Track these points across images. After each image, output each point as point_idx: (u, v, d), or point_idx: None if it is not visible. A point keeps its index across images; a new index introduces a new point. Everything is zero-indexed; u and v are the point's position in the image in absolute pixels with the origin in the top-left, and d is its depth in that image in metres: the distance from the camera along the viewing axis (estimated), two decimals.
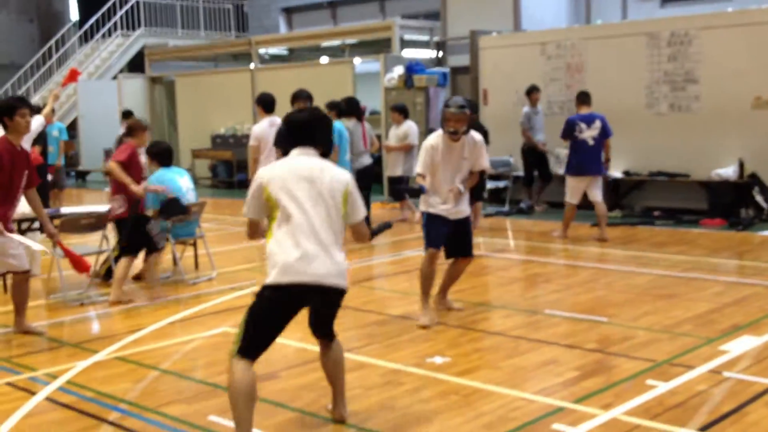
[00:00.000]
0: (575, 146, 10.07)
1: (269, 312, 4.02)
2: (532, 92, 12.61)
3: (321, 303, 4.15)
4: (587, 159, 10.01)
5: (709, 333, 5.90)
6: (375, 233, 4.57)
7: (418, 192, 6.34)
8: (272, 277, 3.98)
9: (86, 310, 7.23)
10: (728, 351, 5.45)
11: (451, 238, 6.46)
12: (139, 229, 7.60)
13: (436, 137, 6.33)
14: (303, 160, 4.15)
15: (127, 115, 13.53)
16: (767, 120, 11.18)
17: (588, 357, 5.45)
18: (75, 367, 5.50)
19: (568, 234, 10.31)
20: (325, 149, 4.26)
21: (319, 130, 4.23)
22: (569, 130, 10.13)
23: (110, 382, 5.20)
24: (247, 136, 13.98)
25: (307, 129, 4.20)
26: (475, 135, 6.40)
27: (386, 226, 5.03)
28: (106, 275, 8.03)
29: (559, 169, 12.30)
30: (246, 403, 3.91)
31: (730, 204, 11.40)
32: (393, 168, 11.99)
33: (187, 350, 5.99)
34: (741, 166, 11.37)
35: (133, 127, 7.97)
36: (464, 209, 6.45)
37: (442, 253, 6.52)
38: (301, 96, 7.92)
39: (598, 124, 10.05)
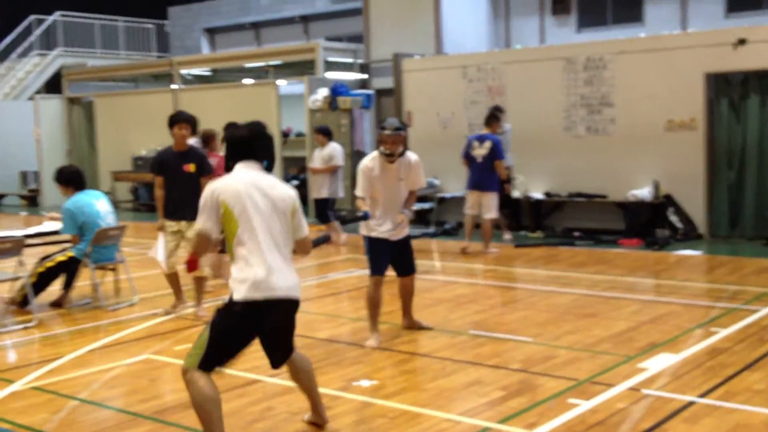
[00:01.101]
0: (470, 163, 10.84)
1: (237, 327, 4.04)
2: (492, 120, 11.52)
3: (284, 315, 4.19)
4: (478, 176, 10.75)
5: (628, 351, 6.05)
6: (315, 244, 4.59)
7: (363, 218, 6.33)
8: (243, 293, 3.99)
9: (2, 339, 6.98)
10: (647, 368, 5.59)
11: (398, 258, 6.57)
12: None
13: (372, 159, 6.39)
14: (251, 173, 4.17)
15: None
16: (680, 142, 11.60)
17: (512, 377, 5.52)
18: None
19: (492, 253, 10.63)
20: (268, 164, 4.29)
21: (259, 144, 4.25)
22: (465, 147, 10.88)
23: (27, 413, 5.03)
24: None
25: (248, 144, 4.23)
26: (411, 155, 6.48)
27: (325, 238, 5.03)
28: (23, 302, 7.78)
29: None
30: (215, 407, 3.95)
31: (646, 224, 11.76)
32: (318, 190, 11.99)
33: (107, 378, 5.83)
34: (656, 186, 11.75)
35: (207, 136, 9.29)
36: (405, 230, 6.53)
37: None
38: (180, 119, 7.57)
39: (488, 144, 10.63)
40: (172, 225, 7.54)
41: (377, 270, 6.44)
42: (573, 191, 12.52)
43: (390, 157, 6.29)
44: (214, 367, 4.06)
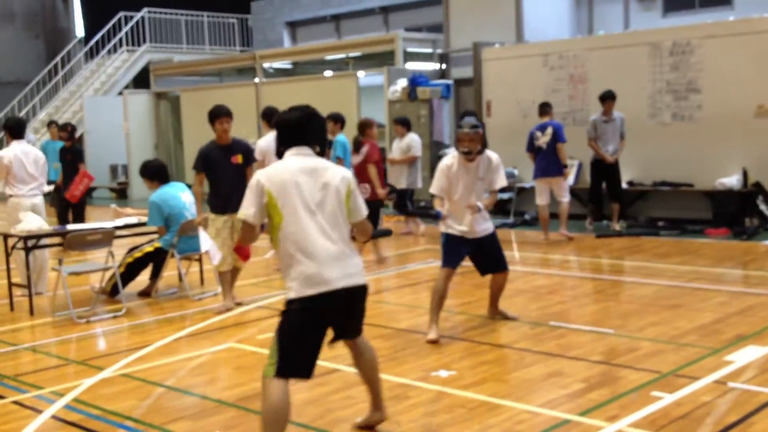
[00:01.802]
0: (536, 153, 11.12)
1: (302, 326, 3.90)
2: (605, 99, 11.51)
3: (349, 305, 4.05)
4: (545, 163, 11.03)
5: (714, 343, 5.89)
6: (375, 236, 4.54)
7: (435, 217, 6.36)
8: (296, 291, 3.88)
9: (92, 327, 7.25)
10: (733, 361, 5.44)
11: (480, 256, 6.55)
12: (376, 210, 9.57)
13: (451, 158, 6.39)
14: (302, 159, 4.04)
15: (62, 128, 13.38)
16: None
17: (593, 369, 5.45)
18: (81, 384, 5.52)
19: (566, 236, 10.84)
20: (321, 148, 4.16)
21: (311, 128, 4.12)
22: (529, 140, 11.16)
23: (116, 399, 5.22)
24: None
25: (299, 128, 4.09)
26: (491, 154, 6.43)
27: (386, 232, 5.04)
28: (113, 292, 8.07)
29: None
30: (280, 426, 3.86)
31: (734, 213, 11.39)
32: (397, 181, 12.02)
33: (192, 366, 6.00)
34: (745, 175, 11.38)
35: (364, 125, 10.29)
36: (486, 227, 6.48)
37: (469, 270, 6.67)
38: (221, 113, 7.54)
39: (550, 130, 10.95)
40: (219, 219, 7.52)
41: (448, 263, 6.42)
42: (658, 180, 12.22)
43: (468, 155, 6.27)
44: (294, 372, 3.93)
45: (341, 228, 4.03)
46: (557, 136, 10.93)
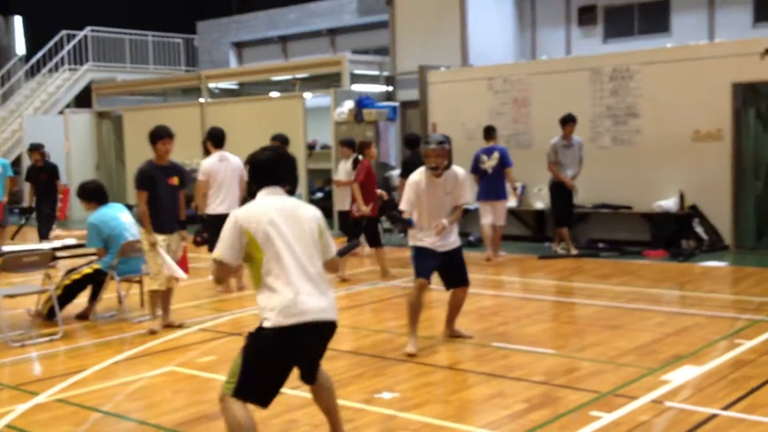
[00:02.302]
0: (482, 175, 11.29)
1: (271, 355, 3.95)
2: (566, 122, 11.51)
3: (319, 339, 4.10)
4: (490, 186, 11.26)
5: (652, 363, 6.00)
6: (342, 253, 4.57)
7: (408, 224, 6.47)
8: (272, 320, 3.91)
9: (27, 351, 7.07)
10: (670, 381, 5.54)
11: (445, 270, 6.64)
12: (368, 226, 10.27)
13: (419, 174, 6.51)
14: (276, 199, 4.14)
15: (34, 148, 13.45)
16: (706, 153, 11.50)
17: (535, 389, 5.49)
18: (14, 410, 5.37)
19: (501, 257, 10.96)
20: (291, 187, 4.27)
21: (283, 168, 4.23)
22: (474, 163, 11.29)
23: (51, 425, 5.09)
24: (196, 171, 13.92)
25: (271, 168, 4.19)
26: (458, 169, 6.57)
27: (353, 245, 5.08)
28: (49, 314, 7.88)
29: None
30: None
31: (671, 235, 11.65)
32: (342, 202, 12.01)
33: (130, 390, 5.89)
34: (681, 198, 11.65)
35: (362, 145, 10.56)
36: (453, 241, 6.62)
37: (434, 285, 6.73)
38: (163, 134, 7.55)
39: (496, 155, 11.21)
40: (161, 238, 7.50)
41: (422, 272, 6.51)
42: (598, 202, 12.45)
43: (435, 170, 6.40)
44: (251, 397, 3.95)
45: (316, 263, 4.11)
46: (504, 161, 11.17)
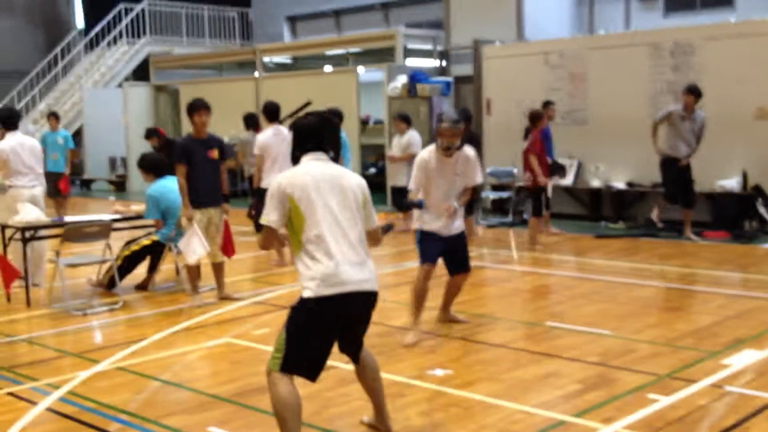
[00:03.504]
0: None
1: (313, 325, 3.92)
2: (690, 93, 10.62)
3: (361, 310, 4.07)
4: None
5: (712, 346, 5.89)
6: (385, 231, 4.51)
7: (418, 206, 6.23)
8: (313, 291, 3.89)
9: (89, 320, 7.24)
10: (730, 365, 5.44)
11: (447, 255, 6.41)
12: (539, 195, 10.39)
13: (429, 152, 6.26)
14: (320, 165, 4.09)
15: (150, 134, 13.46)
16: None
17: (590, 370, 5.44)
18: (77, 377, 5.51)
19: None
20: (335, 153, 4.21)
21: (327, 134, 4.17)
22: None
23: (111, 392, 5.20)
24: (235, 145, 14.01)
25: (316, 134, 4.14)
26: (469, 150, 6.34)
27: (389, 228, 4.99)
28: (110, 284, 8.05)
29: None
30: (292, 414, 3.86)
31: (733, 216, 11.38)
32: (396, 178, 11.99)
33: (188, 361, 5.99)
34: (744, 177, 11.36)
35: (534, 116, 10.47)
36: (458, 225, 6.39)
37: (439, 270, 6.47)
38: (199, 105, 7.54)
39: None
40: (195, 213, 7.46)
41: (427, 257, 6.28)
42: (657, 181, 12.20)
43: (448, 150, 6.15)
44: (300, 370, 3.94)
45: (359, 233, 4.07)
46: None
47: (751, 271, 8.91)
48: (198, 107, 7.55)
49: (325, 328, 3.96)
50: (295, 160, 4.18)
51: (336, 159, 4.22)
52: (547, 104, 11.45)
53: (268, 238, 4.13)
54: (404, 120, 12.00)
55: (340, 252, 3.93)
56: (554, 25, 15.96)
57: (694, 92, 10.56)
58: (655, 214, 11.22)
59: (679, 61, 12.03)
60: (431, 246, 6.29)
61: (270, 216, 4.01)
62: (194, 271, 7.63)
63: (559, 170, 11.60)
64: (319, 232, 3.93)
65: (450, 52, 16.06)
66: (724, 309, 7.03)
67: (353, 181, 4.14)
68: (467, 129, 11.08)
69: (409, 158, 11.81)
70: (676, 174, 10.78)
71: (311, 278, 3.90)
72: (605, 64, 12.76)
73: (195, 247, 7.36)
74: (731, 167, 11.50)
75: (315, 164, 4.09)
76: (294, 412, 3.87)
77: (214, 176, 7.61)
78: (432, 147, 6.28)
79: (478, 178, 6.42)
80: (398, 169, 11.94)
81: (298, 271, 4.01)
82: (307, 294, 3.91)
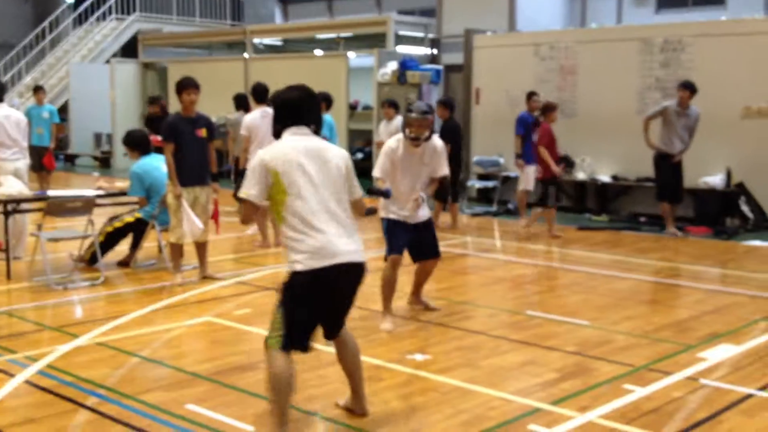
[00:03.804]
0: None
1: (305, 299, 3.95)
2: (683, 89, 10.53)
3: (351, 281, 4.10)
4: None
5: (688, 340, 5.94)
6: (372, 201, 4.46)
7: (384, 194, 6.04)
8: (304, 264, 3.91)
9: (69, 294, 7.21)
10: (706, 359, 5.49)
11: (416, 242, 6.41)
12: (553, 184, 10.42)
13: (396, 141, 6.26)
14: (302, 139, 4.09)
15: (153, 101, 13.33)
16: (756, 130, 11.26)
17: (567, 359, 5.48)
18: (55, 350, 5.50)
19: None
20: (317, 128, 4.21)
21: (309, 108, 4.17)
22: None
23: (90, 367, 5.20)
24: (223, 126, 13.96)
25: (299, 108, 4.13)
26: (437, 141, 6.34)
27: (371, 210, 4.94)
28: (91, 260, 8.02)
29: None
30: (287, 394, 3.93)
31: (716, 213, 11.47)
32: None
33: (168, 338, 5.99)
34: (728, 174, 11.44)
35: (546, 108, 10.42)
36: (425, 213, 6.41)
37: (406, 259, 6.48)
38: (189, 84, 7.50)
39: None
40: (186, 191, 7.46)
41: (395, 249, 6.29)
42: (642, 175, 12.27)
43: (416, 141, 6.15)
44: (297, 344, 3.99)
45: (344, 205, 4.10)
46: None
47: (731, 267, 8.99)
48: (187, 85, 7.51)
49: (319, 299, 3.99)
50: (277, 134, 4.18)
51: (317, 132, 4.20)
52: (530, 95, 11.46)
53: (248, 212, 4.14)
54: (392, 106, 11.99)
55: (326, 225, 3.96)
56: (546, 17, 15.98)
57: (689, 88, 10.48)
58: (670, 227, 10.82)
59: (668, 57, 12.08)
60: (399, 236, 6.28)
61: (250, 190, 4.01)
62: (177, 250, 7.62)
63: (567, 164, 11.84)
64: (305, 206, 3.95)
65: (441, 40, 16.05)
66: (702, 304, 7.10)
67: (336, 152, 4.16)
68: (450, 118, 11.16)
69: None
70: (669, 170, 10.71)
71: (300, 252, 3.92)
72: (595, 58, 12.79)
73: (193, 226, 7.37)
74: (716, 164, 11.58)
75: (297, 138, 4.09)
76: (290, 386, 3.94)
77: (201, 155, 7.57)
78: (400, 136, 6.28)
79: (445, 170, 6.39)
80: None
81: (286, 246, 4.02)
82: (299, 267, 3.92)
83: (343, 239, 3.98)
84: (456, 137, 10.83)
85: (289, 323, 3.94)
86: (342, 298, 4.17)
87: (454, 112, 11.22)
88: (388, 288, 6.33)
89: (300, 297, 3.95)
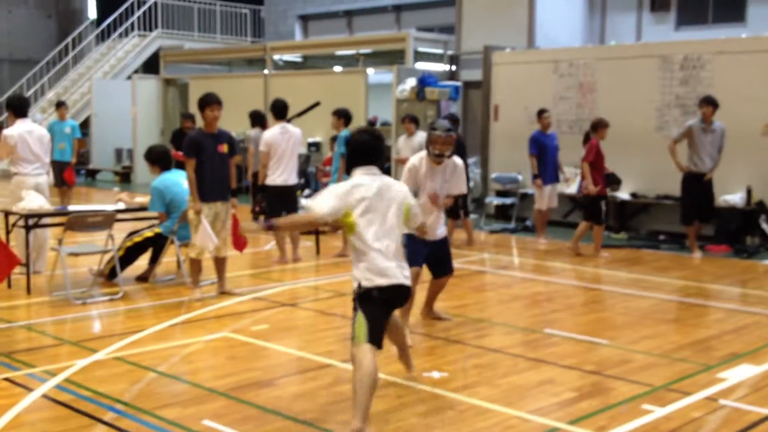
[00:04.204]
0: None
1: (380, 307, 4.58)
2: (707, 104, 10.28)
3: (402, 298, 4.75)
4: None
5: (708, 360, 5.89)
6: None
7: None
8: (370, 280, 4.55)
9: (88, 309, 7.26)
10: (726, 379, 5.44)
11: (432, 258, 6.58)
12: (598, 203, 10.33)
13: (420, 159, 6.40)
14: (375, 178, 4.65)
15: (187, 117, 13.43)
16: None
17: (585, 378, 5.45)
18: (74, 365, 5.54)
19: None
20: (382, 166, 4.78)
21: (379, 151, 4.75)
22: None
23: (108, 381, 5.23)
24: (243, 141, 14.02)
25: (372, 151, 4.71)
26: (457, 159, 6.50)
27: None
28: (111, 275, 8.08)
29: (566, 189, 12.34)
30: (372, 386, 4.32)
31: (736, 231, 11.37)
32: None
33: (186, 353, 6.01)
34: (749, 193, 11.36)
35: (596, 124, 10.37)
36: (442, 231, 6.61)
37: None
38: (212, 100, 7.59)
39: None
40: (204, 207, 7.48)
41: (415, 261, 6.28)
42: (661, 193, 12.21)
43: (440, 158, 6.29)
44: (379, 341, 4.49)
45: (398, 236, 4.72)
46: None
47: (751, 287, 8.90)
48: (210, 102, 7.59)
49: (385, 310, 4.67)
50: (348, 171, 4.76)
51: (383, 170, 4.74)
52: (541, 112, 11.50)
53: (308, 223, 4.75)
54: (413, 121, 11.97)
55: (386, 251, 4.59)
56: (565, 34, 15.97)
57: (711, 103, 10.22)
58: (695, 251, 10.59)
59: (688, 74, 12.03)
60: (417, 250, 6.33)
61: (323, 207, 4.52)
62: (196, 265, 7.66)
63: (613, 182, 11.90)
64: (371, 233, 4.55)
65: (460, 56, 16.08)
66: (722, 323, 7.03)
67: (400, 192, 4.75)
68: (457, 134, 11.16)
69: None
70: (699, 191, 10.38)
71: (366, 269, 4.55)
72: (614, 75, 12.76)
73: (206, 240, 7.42)
74: (736, 182, 11.49)
75: (369, 177, 4.66)
76: (375, 381, 4.35)
77: (222, 171, 7.63)
78: (423, 154, 6.42)
79: (463, 187, 6.60)
80: None
81: (354, 266, 4.59)
82: (366, 284, 4.55)
83: (396, 265, 4.62)
84: (462, 153, 10.83)
85: (370, 322, 4.49)
86: (393, 308, 4.82)
87: (458, 128, 11.26)
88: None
89: (376, 305, 4.58)
